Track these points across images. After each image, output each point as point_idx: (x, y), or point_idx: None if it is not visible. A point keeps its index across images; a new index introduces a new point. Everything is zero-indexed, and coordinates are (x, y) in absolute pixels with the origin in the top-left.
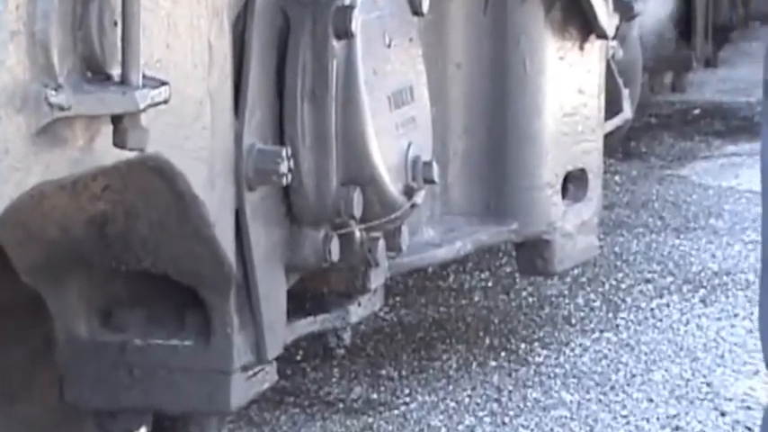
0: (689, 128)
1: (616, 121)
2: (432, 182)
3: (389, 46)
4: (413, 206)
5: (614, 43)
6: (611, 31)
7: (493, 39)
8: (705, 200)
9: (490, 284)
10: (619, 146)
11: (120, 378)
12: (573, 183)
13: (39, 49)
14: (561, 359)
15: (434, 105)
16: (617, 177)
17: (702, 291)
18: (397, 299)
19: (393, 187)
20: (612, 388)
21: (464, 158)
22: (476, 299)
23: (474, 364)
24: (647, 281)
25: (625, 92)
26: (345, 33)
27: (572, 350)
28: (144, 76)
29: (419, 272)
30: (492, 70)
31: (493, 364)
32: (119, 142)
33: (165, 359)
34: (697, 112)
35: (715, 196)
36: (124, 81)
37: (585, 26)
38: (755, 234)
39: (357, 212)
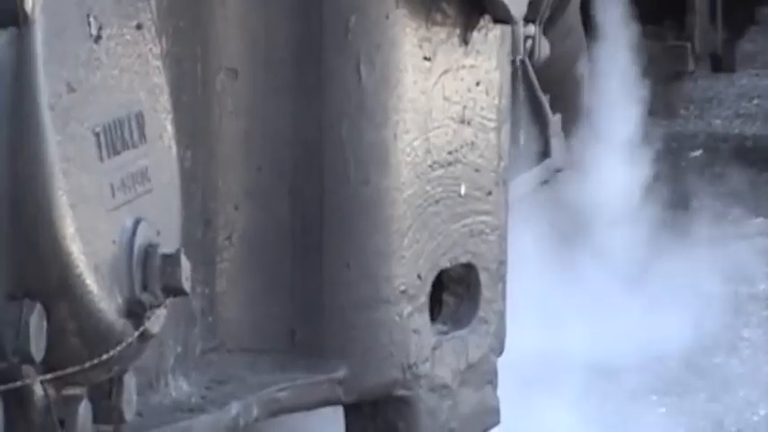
0: (683, 185)
1: (536, 175)
2: (180, 292)
3: (98, 39)
4: (145, 337)
5: (531, 30)
6: (518, 10)
7: (297, 24)
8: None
9: None
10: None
11: None
12: (451, 291)
13: None
14: None
15: (189, 148)
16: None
17: None
18: None
19: (106, 303)
20: None
21: (246, 247)
22: None
23: None
24: None
25: (554, 120)
26: (13, 17)
27: None
28: None
29: None
30: (296, 82)
31: None
32: None
33: None
34: (697, 153)
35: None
36: None
37: (472, 1)
38: None
39: (36, 351)
